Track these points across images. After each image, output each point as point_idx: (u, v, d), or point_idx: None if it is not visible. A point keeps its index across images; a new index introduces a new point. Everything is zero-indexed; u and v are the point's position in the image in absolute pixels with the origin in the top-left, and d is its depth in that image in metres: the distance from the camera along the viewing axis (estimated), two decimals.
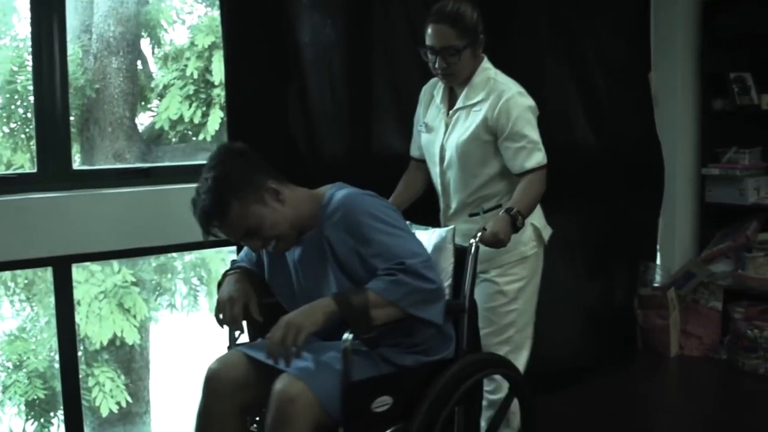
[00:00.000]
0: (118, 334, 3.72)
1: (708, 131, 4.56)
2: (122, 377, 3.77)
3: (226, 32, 3.03)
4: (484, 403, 2.86)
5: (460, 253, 2.47)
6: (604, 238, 4.17)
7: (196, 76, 3.70)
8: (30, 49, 2.84)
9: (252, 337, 2.55)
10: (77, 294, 3.43)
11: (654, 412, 3.79)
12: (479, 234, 2.48)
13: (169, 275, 4.12)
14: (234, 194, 2.18)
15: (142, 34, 3.66)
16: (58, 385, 3.05)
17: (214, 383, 2.25)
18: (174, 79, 3.71)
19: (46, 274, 3.26)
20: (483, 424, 2.85)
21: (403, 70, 2.95)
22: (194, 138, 3.77)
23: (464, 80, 2.79)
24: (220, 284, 2.43)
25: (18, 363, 3.48)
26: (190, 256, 4.09)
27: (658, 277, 4.49)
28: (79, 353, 3.19)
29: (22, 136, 3.35)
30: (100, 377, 3.67)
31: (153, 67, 3.78)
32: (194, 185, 3.07)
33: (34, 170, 2.91)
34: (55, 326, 2.93)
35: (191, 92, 3.71)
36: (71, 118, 3.01)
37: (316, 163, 3.21)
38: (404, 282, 2.11)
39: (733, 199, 4.45)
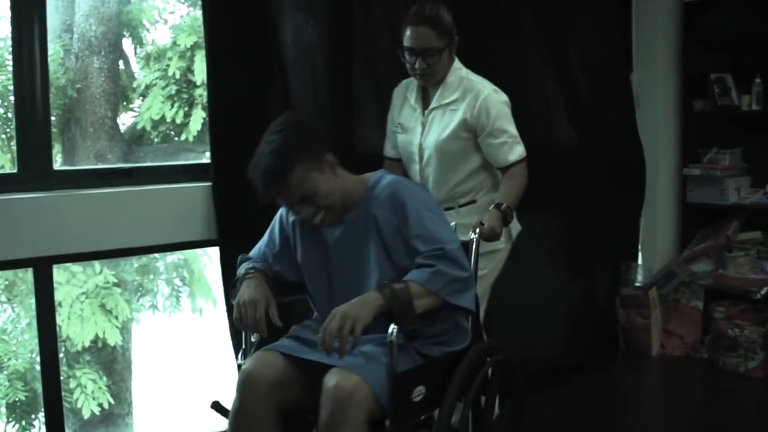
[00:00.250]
0: (100, 336, 3.70)
1: (689, 132, 4.59)
2: (104, 379, 3.75)
3: (208, 32, 3.03)
4: None
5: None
6: (586, 238, 4.19)
7: (178, 76, 3.69)
8: (10, 49, 2.81)
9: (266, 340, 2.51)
10: (59, 295, 3.41)
11: (636, 411, 3.81)
12: (478, 229, 2.60)
13: (151, 276, 4.11)
14: (298, 158, 2.23)
15: (124, 33, 3.64)
16: (39, 387, 3.03)
17: (252, 384, 2.22)
18: (156, 79, 3.70)
19: (27, 275, 3.24)
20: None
21: (385, 71, 2.98)
22: (176, 138, 3.76)
23: (438, 81, 2.88)
24: (233, 286, 2.42)
25: None
26: (172, 257, 4.08)
27: (639, 277, 4.51)
28: (61, 355, 3.17)
29: (3, 136, 3.32)
30: (81, 379, 3.65)
31: (135, 67, 3.76)
32: (175, 186, 3.10)
33: (15, 171, 2.88)
34: (36, 327, 2.91)
35: (173, 92, 3.70)
36: (52, 118, 3.00)
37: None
38: (444, 272, 2.19)
39: (713, 199, 4.47)
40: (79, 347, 3.68)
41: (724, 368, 4.11)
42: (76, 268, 3.65)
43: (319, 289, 2.43)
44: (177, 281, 4.13)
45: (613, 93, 4.37)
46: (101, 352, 3.77)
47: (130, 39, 3.68)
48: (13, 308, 3.60)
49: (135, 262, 3.92)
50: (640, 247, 4.65)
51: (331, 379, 2.10)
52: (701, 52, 4.47)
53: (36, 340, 2.96)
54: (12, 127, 3.10)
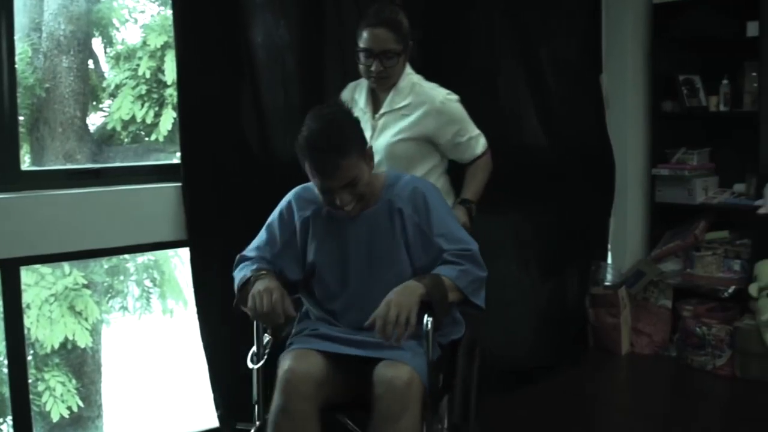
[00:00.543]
0: (70, 338, 3.66)
1: (658, 132, 4.63)
2: (73, 381, 3.71)
3: (179, 32, 3.01)
4: None
5: None
6: (556, 237, 4.21)
7: (148, 76, 3.66)
8: None
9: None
10: (27, 297, 3.38)
11: (605, 409, 3.84)
12: None
13: (122, 277, 4.07)
14: (353, 143, 2.29)
15: (94, 32, 3.61)
16: (6, 391, 3.00)
17: (297, 383, 2.21)
18: (126, 78, 3.67)
19: None
20: None
21: (356, 71, 2.96)
22: (147, 138, 3.73)
23: (391, 85, 2.89)
24: (239, 289, 2.41)
25: None
26: (142, 258, 4.05)
27: (609, 276, 4.55)
28: (29, 357, 3.14)
29: None
30: (50, 381, 3.61)
31: (105, 66, 3.73)
32: (145, 186, 3.08)
33: None
34: (4, 330, 2.88)
35: (143, 92, 3.67)
36: (20, 118, 2.96)
37: (269, 163, 3.21)
38: (470, 272, 2.33)
39: (682, 199, 4.52)
40: (48, 350, 3.64)
41: (693, 366, 4.16)
42: (44, 269, 3.61)
43: (332, 283, 2.43)
44: (147, 282, 4.10)
45: (583, 94, 4.40)
46: (70, 354, 3.74)
47: (99, 38, 3.64)
48: None
49: (105, 263, 3.89)
50: (609, 246, 4.69)
51: (386, 371, 2.18)
52: (670, 54, 4.52)
53: (3, 343, 2.93)
54: None
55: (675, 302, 4.40)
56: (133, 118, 3.66)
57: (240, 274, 2.44)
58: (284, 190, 2.96)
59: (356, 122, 2.38)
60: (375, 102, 2.95)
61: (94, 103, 3.70)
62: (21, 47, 3.20)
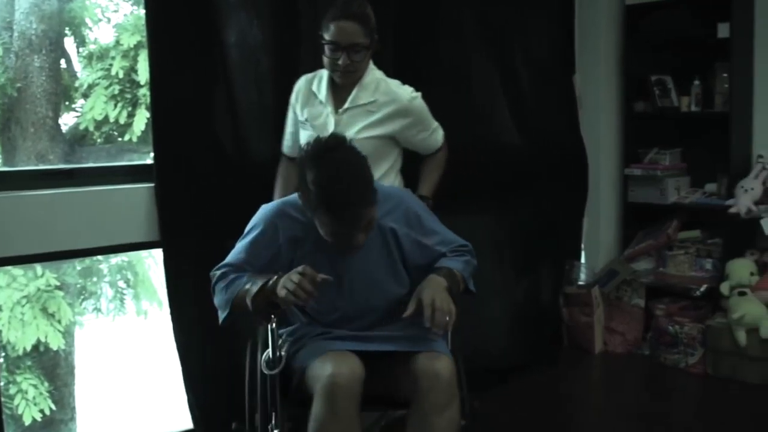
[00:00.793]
0: (42, 340, 3.64)
1: (630, 133, 4.66)
2: (46, 384, 3.69)
3: (151, 31, 3.00)
4: None
5: None
6: (530, 237, 4.23)
7: (121, 76, 3.64)
8: None
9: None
10: None
11: (579, 407, 3.86)
12: None
13: (95, 278, 4.05)
14: (372, 187, 2.22)
15: (66, 32, 3.58)
16: None
17: (342, 384, 2.15)
18: (99, 78, 3.64)
19: None
20: None
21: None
22: (120, 139, 3.71)
23: (356, 80, 2.86)
24: (253, 299, 2.26)
25: None
26: (116, 259, 4.03)
27: (582, 276, 4.58)
28: (0, 360, 3.11)
29: None
30: (22, 384, 3.58)
31: (77, 66, 3.70)
32: (118, 187, 3.06)
33: None
34: None
35: (116, 92, 3.65)
36: None
37: (243, 164, 3.21)
38: (470, 262, 2.48)
39: (654, 198, 4.56)
40: (20, 352, 3.62)
41: (665, 364, 4.19)
42: (16, 271, 3.58)
43: (328, 298, 2.33)
44: (121, 283, 4.08)
45: (556, 94, 4.43)
46: (43, 356, 3.71)
47: (72, 37, 3.62)
48: None
49: (78, 264, 3.86)
50: (582, 246, 4.72)
51: (431, 364, 2.21)
52: (642, 54, 4.55)
53: None
54: None
55: (648, 301, 4.43)
56: (106, 118, 3.63)
57: (233, 287, 2.33)
58: (258, 191, 2.96)
59: (365, 158, 2.26)
60: (336, 96, 2.90)
61: (67, 103, 3.67)
62: None
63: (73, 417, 3.80)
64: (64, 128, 3.62)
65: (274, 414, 2.27)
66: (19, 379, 3.60)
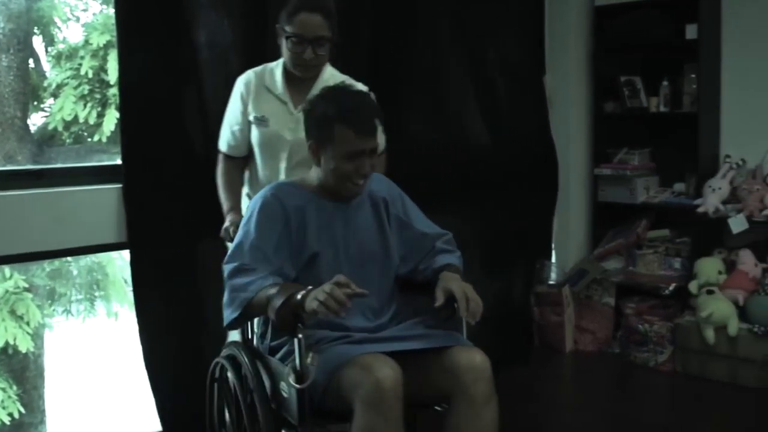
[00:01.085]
0: (11, 342, 3.61)
1: (600, 133, 4.70)
2: (14, 387, 3.65)
3: (121, 31, 2.98)
4: None
5: None
6: (500, 237, 4.25)
7: (90, 76, 3.61)
8: None
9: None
10: None
11: (551, 406, 3.88)
12: None
13: (64, 280, 4.01)
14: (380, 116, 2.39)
15: (34, 31, 3.55)
16: None
17: (389, 387, 2.07)
18: (68, 78, 3.62)
19: None
20: None
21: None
22: (89, 139, 3.68)
23: (316, 75, 2.79)
24: (278, 312, 2.15)
25: None
26: (86, 260, 4.00)
27: (553, 275, 4.61)
28: None
29: None
30: None
31: (46, 65, 3.67)
32: (87, 187, 3.04)
33: None
34: None
35: (86, 92, 3.62)
36: None
37: (213, 165, 3.18)
38: (461, 258, 2.55)
39: (624, 198, 4.59)
40: None
41: (635, 363, 4.23)
42: None
43: (325, 275, 2.24)
44: (91, 285, 4.05)
45: (526, 95, 4.45)
46: (11, 359, 3.68)
47: (40, 37, 3.59)
48: None
49: (47, 266, 3.83)
50: (553, 245, 4.75)
51: (470, 356, 2.22)
52: (611, 56, 4.59)
53: None
54: None
55: (618, 300, 4.47)
56: (76, 118, 3.61)
57: (247, 290, 2.23)
58: None
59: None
60: (293, 91, 2.79)
61: (35, 102, 3.64)
62: None
63: (42, 420, 3.77)
64: (32, 128, 3.58)
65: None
66: None
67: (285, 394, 2.22)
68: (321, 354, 2.16)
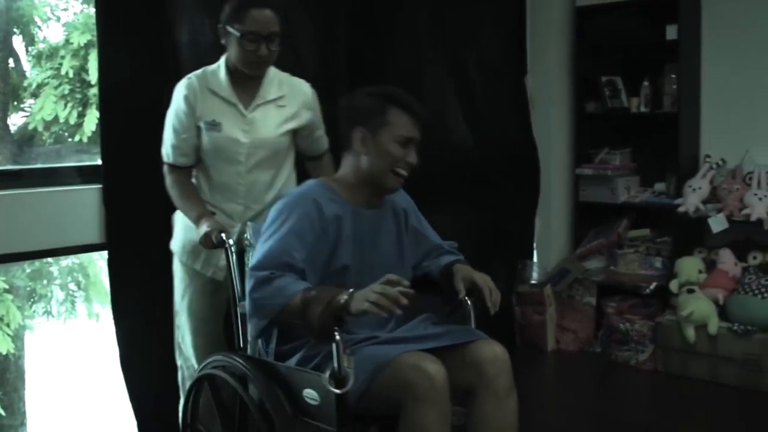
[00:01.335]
0: None
1: (581, 133, 4.72)
2: None
3: (101, 30, 2.97)
4: None
5: None
6: (483, 236, 4.25)
7: (71, 76, 3.60)
8: None
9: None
10: None
11: (532, 405, 3.88)
12: None
13: (45, 281, 4.00)
14: None
15: (14, 30, 3.53)
16: None
17: (444, 385, 2.09)
18: (48, 78, 3.60)
19: None
20: None
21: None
22: (70, 139, 3.67)
23: (264, 72, 2.74)
24: (319, 318, 2.09)
25: None
26: (66, 261, 3.98)
27: (535, 275, 4.62)
28: None
29: None
30: None
31: (26, 65, 3.65)
32: (67, 188, 3.02)
33: None
34: None
35: (66, 92, 3.61)
36: None
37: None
38: (464, 260, 2.59)
39: (605, 198, 4.62)
40: None
41: (616, 361, 4.25)
42: None
43: (353, 284, 2.21)
44: (72, 286, 4.04)
45: (508, 95, 4.47)
46: None
47: (20, 36, 3.57)
48: None
49: (27, 267, 3.81)
50: (535, 245, 4.77)
51: (491, 350, 2.27)
52: (593, 56, 4.62)
53: None
54: None
55: (599, 299, 4.49)
56: (56, 118, 3.59)
57: (287, 292, 2.16)
58: None
59: None
60: (239, 93, 2.71)
61: (15, 102, 3.62)
62: None
63: (23, 422, 3.75)
64: (12, 128, 3.57)
65: None
66: None
67: (313, 401, 2.14)
68: (354, 356, 2.11)
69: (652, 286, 4.30)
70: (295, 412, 2.18)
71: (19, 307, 3.72)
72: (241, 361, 2.33)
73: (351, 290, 2.09)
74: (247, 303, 2.25)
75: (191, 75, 2.73)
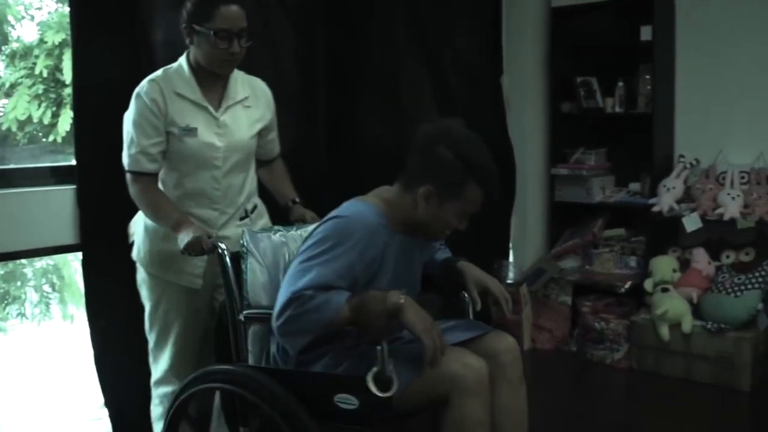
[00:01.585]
0: None
1: (556, 133, 4.76)
2: None
3: (75, 30, 2.94)
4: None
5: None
6: (458, 236, 4.25)
7: (45, 75, 3.58)
8: None
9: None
10: None
11: None
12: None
13: (19, 283, 3.96)
14: None
15: None
16: None
17: (488, 377, 2.16)
18: (22, 77, 3.58)
19: None
20: None
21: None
22: (44, 139, 3.64)
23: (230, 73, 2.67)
24: (382, 313, 2.11)
25: None
26: (41, 263, 3.95)
27: (511, 274, 4.64)
28: None
29: None
30: None
31: None
32: (41, 189, 3.00)
33: None
34: None
35: (40, 91, 3.59)
36: None
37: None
38: None
39: (580, 197, 4.65)
40: None
41: (592, 360, 4.28)
42: None
43: None
44: (46, 288, 4.01)
45: (484, 95, 4.48)
46: None
47: None
48: None
49: (0, 268, 3.78)
50: (511, 244, 4.78)
51: (504, 340, 2.36)
52: (568, 56, 4.65)
53: None
54: None
55: (574, 298, 4.52)
56: (30, 118, 3.57)
57: (333, 305, 2.11)
58: None
59: None
60: (206, 93, 2.61)
61: None
62: None
63: None
64: None
65: None
66: None
67: (347, 406, 2.07)
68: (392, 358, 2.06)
69: (627, 285, 4.34)
70: (330, 417, 2.11)
71: None
72: (257, 373, 2.20)
73: (402, 290, 2.14)
74: (283, 322, 2.14)
75: (153, 77, 2.58)
